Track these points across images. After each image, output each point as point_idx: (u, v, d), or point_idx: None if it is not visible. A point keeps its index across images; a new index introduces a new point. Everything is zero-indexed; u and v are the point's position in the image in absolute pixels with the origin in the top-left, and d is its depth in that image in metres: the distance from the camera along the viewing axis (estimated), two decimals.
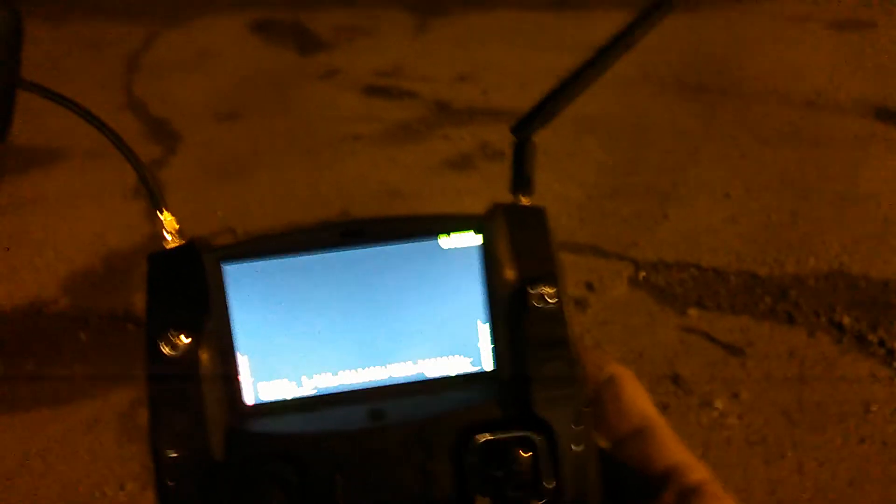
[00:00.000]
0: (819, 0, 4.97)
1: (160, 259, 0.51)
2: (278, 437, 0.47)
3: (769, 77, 4.01)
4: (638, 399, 0.50)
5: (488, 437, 0.46)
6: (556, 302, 0.48)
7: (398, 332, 0.50)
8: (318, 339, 0.49)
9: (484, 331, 0.50)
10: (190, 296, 0.48)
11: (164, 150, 3.56)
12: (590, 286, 2.59)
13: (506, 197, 0.53)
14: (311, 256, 0.49)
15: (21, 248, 2.94)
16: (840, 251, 2.69)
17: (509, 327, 0.49)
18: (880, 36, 4.42)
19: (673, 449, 0.48)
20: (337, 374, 0.50)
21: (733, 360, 2.29)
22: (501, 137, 3.47)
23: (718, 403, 2.15)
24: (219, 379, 0.47)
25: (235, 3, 5.48)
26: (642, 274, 2.65)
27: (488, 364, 0.51)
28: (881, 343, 2.30)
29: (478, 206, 0.52)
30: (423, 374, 0.50)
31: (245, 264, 0.48)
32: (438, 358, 0.50)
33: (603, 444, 0.49)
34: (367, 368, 0.50)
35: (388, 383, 0.50)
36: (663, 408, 2.14)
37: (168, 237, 0.52)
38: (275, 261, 0.49)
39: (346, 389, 0.50)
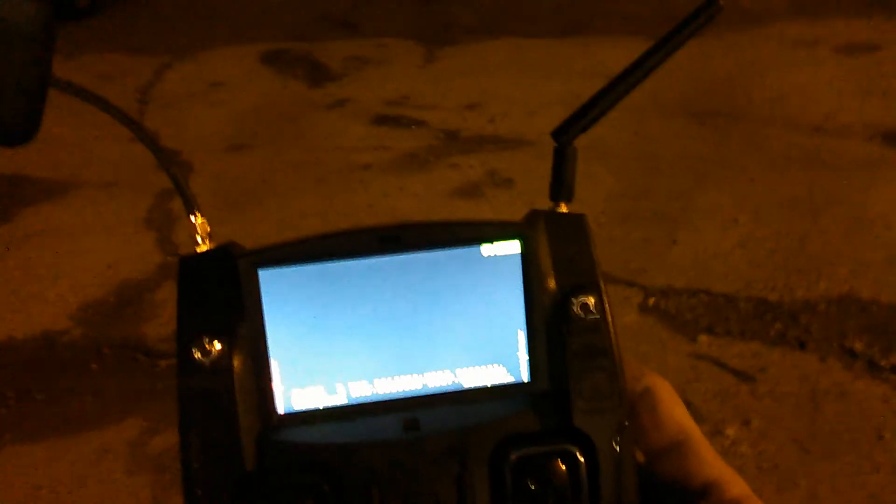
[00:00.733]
0: (826, 24, 5.00)
1: (193, 262, 0.49)
2: (311, 446, 0.46)
3: (777, 102, 4.02)
4: (675, 411, 0.49)
5: (526, 449, 0.45)
6: (599, 311, 0.47)
7: (435, 341, 0.48)
8: (353, 346, 0.48)
9: (523, 341, 0.49)
10: (223, 301, 0.47)
11: None
12: None
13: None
14: (348, 262, 0.47)
15: (34, 279, 2.97)
16: (850, 276, 2.68)
17: (550, 337, 0.48)
18: (887, 59, 4.44)
19: (711, 463, 0.47)
20: (372, 383, 0.48)
21: (744, 386, 2.28)
22: (510, 165, 3.49)
23: (730, 431, 2.14)
24: (251, 386, 0.46)
25: (246, 35, 5.55)
26: (652, 300, 2.64)
27: (527, 375, 0.49)
28: (893, 369, 2.28)
29: None
30: (459, 383, 0.49)
31: (280, 270, 0.47)
32: (476, 367, 0.49)
33: (639, 457, 0.48)
34: (402, 377, 0.49)
35: (423, 393, 0.49)
36: None
37: (200, 241, 0.51)
38: (311, 267, 0.47)
39: (380, 399, 0.48)
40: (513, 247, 0.48)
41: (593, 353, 0.47)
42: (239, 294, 0.47)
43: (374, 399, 0.48)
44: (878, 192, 3.16)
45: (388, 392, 0.49)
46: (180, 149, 3.92)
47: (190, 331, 0.46)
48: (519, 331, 0.49)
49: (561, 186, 0.52)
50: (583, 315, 0.47)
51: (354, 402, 0.48)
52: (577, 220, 0.50)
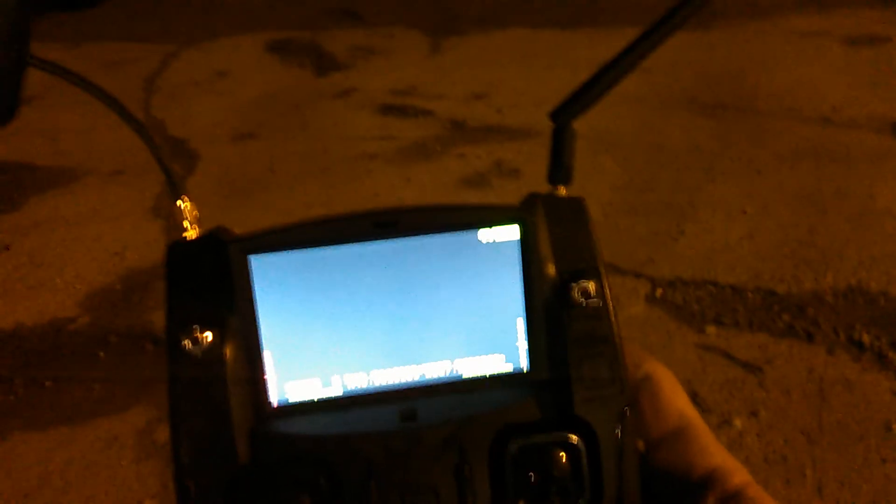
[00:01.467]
0: (834, 16, 4.98)
1: (182, 249, 0.47)
2: (306, 439, 0.44)
3: (784, 94, 4.00)
4: (676, 398, 0.49)
5: (526, 438, 0.44)
6: (600, 297, 0.46)
7: (432, 329, 0.47)
8: (347, 336, 0.46)
9: (523, 329, 0.48)
10: (214, 289, 0.45)
11: (181, 170, 3.59)
12: None
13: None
14: (342, 248, 0.46)
15: (41, 268, 2.97)
16: (858, 267, 2.67)
17: (550, 325, 0.47)
18: (895, 51, 4.41)
19: (713, 451, 0.46)
20: (368, 373, 0.47)
21: (752, 378, 2.28)
22: (517, 156, 3.48)
23: (737, 422, 2.14)
24: (244, 377, 0.45)
25: (252, 25, 5.54)
26: (659, 291, 2.63)
27: (526, 363, 0.48)
28: None
29: None
30: (457, 373, 0.48)
31: (272, 256, 0.46)
32: (474, 356, 0.48)
33: (640, 444, 0.47)
34: (399, 367, 0.47)
35: (421, 383, 0.47)
36: None
37: (188, 226, 0.49)
38: (304, 253, 0.46)
39: (377, 389, 0.47)
40: (511, 232, 0.47)
41: (594, 339, 0.46)
42: (230, 282, 0.45)
43: (371, 390, 0.47)
44: (886, 184, 3.15)
45: (384, 382, 0.47)
46: (186, 137, 3.91)
47: (179, 320, 0.45)
48: (518, 318, 0.48)
49: (559, 169, 0.51)
50: (583, 301, 0.46)
51: (350, 393, 0.47)
52: (575, 204, 0.49)
